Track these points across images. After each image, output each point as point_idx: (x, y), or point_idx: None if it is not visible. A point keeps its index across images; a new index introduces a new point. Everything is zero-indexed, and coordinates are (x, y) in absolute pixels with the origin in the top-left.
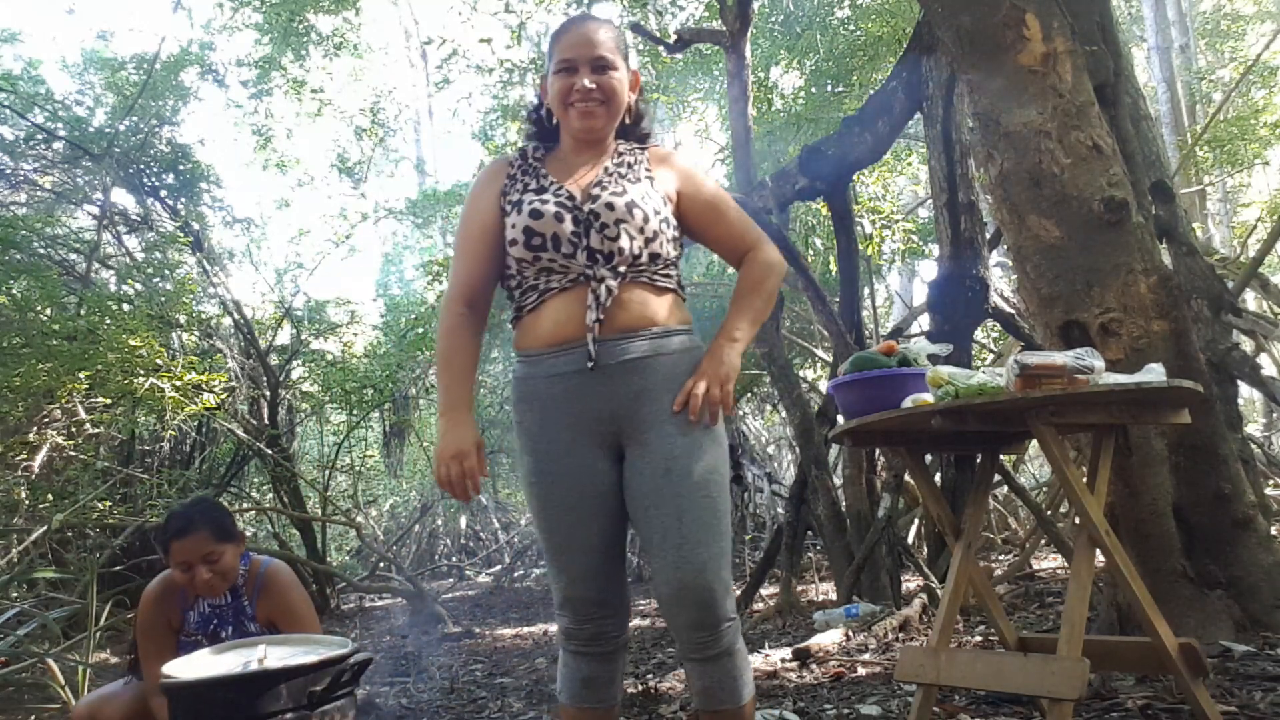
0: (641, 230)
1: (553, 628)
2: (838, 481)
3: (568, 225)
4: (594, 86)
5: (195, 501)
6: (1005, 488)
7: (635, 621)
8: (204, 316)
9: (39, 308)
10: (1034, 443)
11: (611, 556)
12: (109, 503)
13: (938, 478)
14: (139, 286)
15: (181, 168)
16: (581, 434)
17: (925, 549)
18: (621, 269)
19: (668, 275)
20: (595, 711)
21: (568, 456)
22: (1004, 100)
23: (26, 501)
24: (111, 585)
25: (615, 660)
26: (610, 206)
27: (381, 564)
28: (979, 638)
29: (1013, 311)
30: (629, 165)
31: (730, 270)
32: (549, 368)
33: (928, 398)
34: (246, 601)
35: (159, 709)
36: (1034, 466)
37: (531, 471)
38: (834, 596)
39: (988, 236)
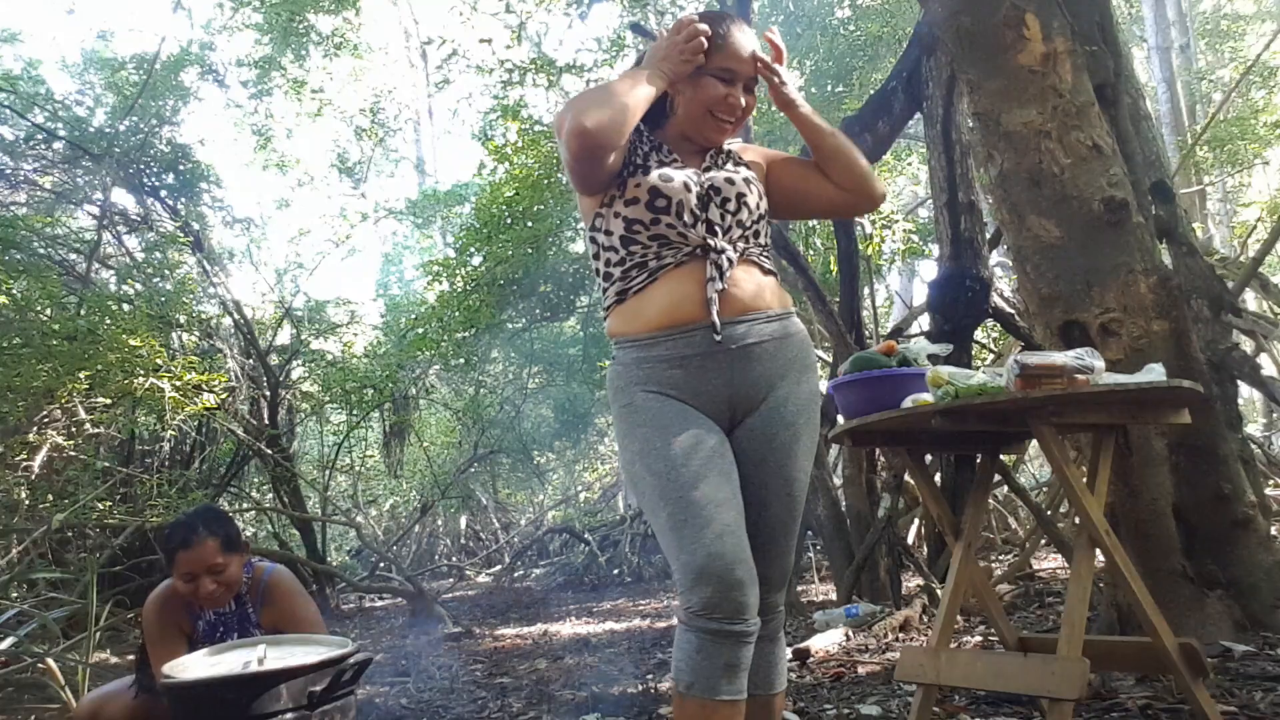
0: (757, 206)
1: (553, 627)
2: (838, 481)
3: (692, 197)
4: (744, 106)
5: (200, 511)
6: (1005, 488)
7: (635, 622)
8: (204, 316)
9: (39, 308)
10: (1034, 443)
11: (743, 524)
12: (109, 503)
13: (938, 478)
14: (139, 286)
15: (181, 168)
16: (699, 411)
17: (925, 549)
18: (739, 243)
19: (767, 258)
20: (737, 705)
21: (687, 427)
22: (1004, 100)
23: (26, 501)
24: (111, 585)
25: (751, 646)
26: (730, 181)
27: (381, 564)
28: (979, 638)
29: (1013, 311)
30: (727, 154)
31: None
32: (664, 351)
33: (928, 398)
34: (251, 609)
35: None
36: (1034, 466)
37: (647, 446)
38: (834, 596)
39: (988, 236)
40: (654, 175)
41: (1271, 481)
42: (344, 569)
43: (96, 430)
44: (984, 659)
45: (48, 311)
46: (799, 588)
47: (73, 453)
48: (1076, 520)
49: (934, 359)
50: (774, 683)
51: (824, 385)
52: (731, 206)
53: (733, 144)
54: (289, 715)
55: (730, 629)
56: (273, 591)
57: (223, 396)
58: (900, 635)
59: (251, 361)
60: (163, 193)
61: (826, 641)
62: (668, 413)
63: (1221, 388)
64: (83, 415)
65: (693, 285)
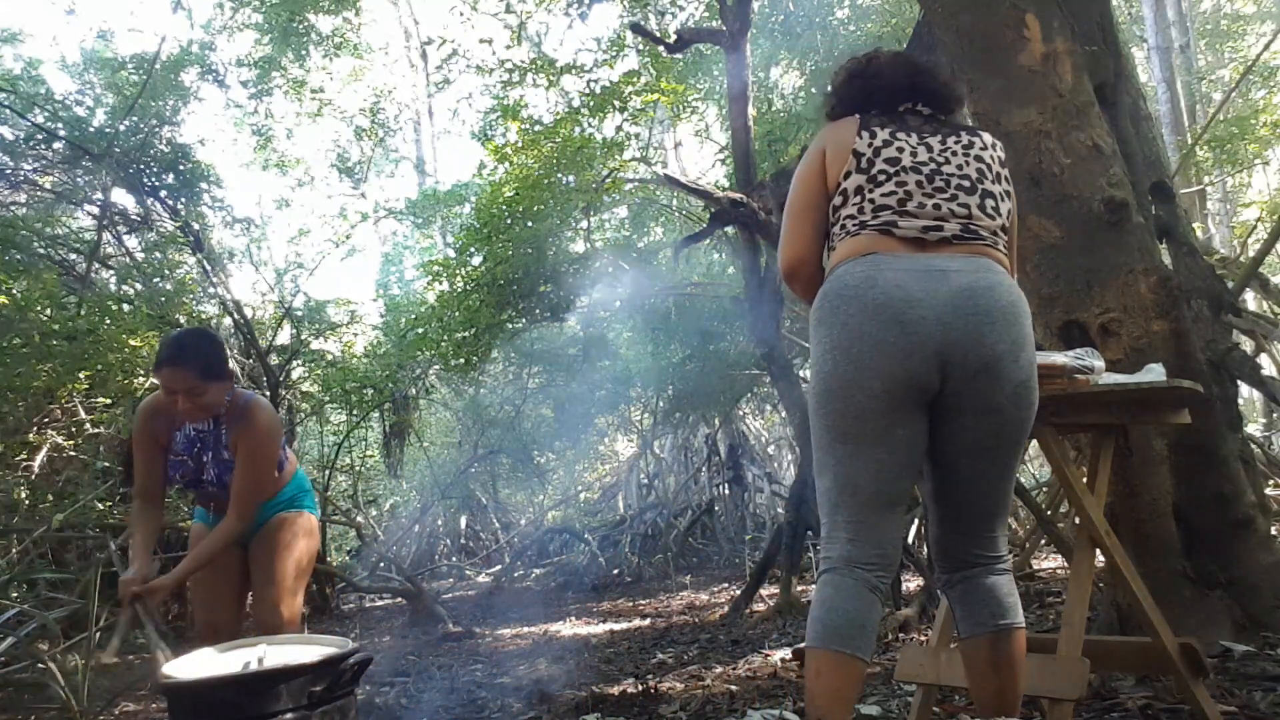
0: None
1: (553, 627)
2: None
3: None
4: None
5: (191, 332)
6: None
7: (635, 622)
8: (204, 316)
9: (39, 308)
10: (1034, 443)
11: None
12: (109, 503)
13: None
14: (139, 286)
15: (181, 168)
16: None
17: (925, 549)
18: None
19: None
20: None
21: None
22: (1004, 100)
23: (26, 501)
24: (111, 585)
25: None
26: None
27: (381, 564)
28: None
29: None
30: None
31: (731, 270)
32: None
33: None
34: (224, 430)
35: (141, 514)
36: (1034, 466)
37: None
38: None
39: None
40: None
41: (1271, 481)
42: (344, 569)
43: (96, 430)
44: None
45: (48, 311)
46: (799, 587)
47: (73, 453)
48: (1076, 520)
49: None
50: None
51: None
52: None
53: None
54: (289, 715)
55: None
56: (245, 417)
57: None
58: (900, 635)
59: (251, 361)
60: (163, 193)
61: None
62: None
63: (1221, 388)
64: (83, 415)
65: None
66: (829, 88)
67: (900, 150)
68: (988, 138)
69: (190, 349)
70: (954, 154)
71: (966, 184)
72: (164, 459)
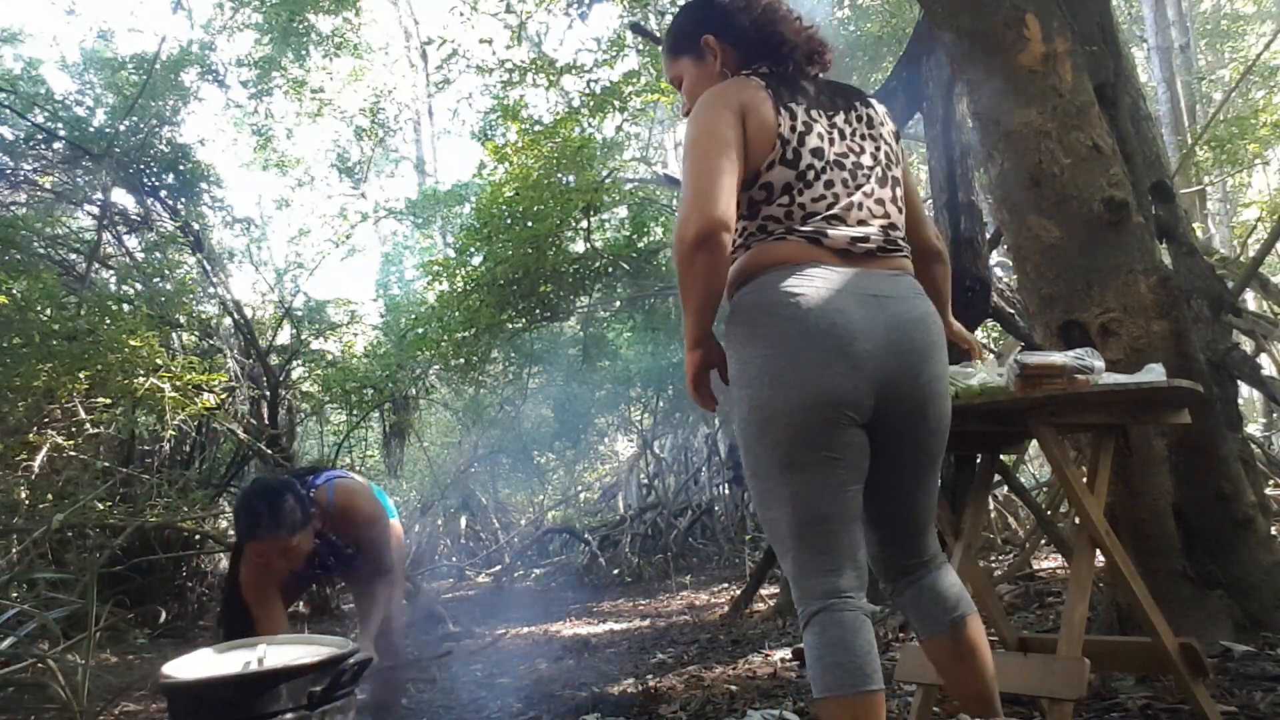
0: None
1: (553, 627)
2: None
3: None
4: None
5: (261, 497)
6: (1005, 488)
7: (635, 622)
8: (204, 316)
9: (39, 308)
10: (1034, 443)
11: None
12: (109, 503)
13: None
14: (139, 286)
15: (181, 168)
16: None
17: None
18: None
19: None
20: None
21: None
22: (1004, 100)
23: (26, 501)
24: (111, 585)
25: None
26: None
27: None
28: None
29: (1013, 312)
30: None
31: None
32: None
33: None
34: (333, 536)
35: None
36: (1034, 466)
37: None
38: None
39: (988, 236)
40: None
41: (1271, 481)
42: None
43: (96, 430)
44: None
45: (48, 311)
46: None
47: (73, 453)
48: (1076, 520)
49: None
50: None
51: None
52: None
53: None
54: (289, 715)
55: None
56: (346, 515)
57: (222, 396)
58: (900, 635)
59: (251, 361)
60: (163, 193)
61: None
62: None
63: (1221, 388)
64: (83, 415)
65: None
66: (701, 15)
67: (820, 138)
68: (880, 108)
69: (269, 519)
70: (864, 138)
71: (879, 172)
72: (281, 601)
